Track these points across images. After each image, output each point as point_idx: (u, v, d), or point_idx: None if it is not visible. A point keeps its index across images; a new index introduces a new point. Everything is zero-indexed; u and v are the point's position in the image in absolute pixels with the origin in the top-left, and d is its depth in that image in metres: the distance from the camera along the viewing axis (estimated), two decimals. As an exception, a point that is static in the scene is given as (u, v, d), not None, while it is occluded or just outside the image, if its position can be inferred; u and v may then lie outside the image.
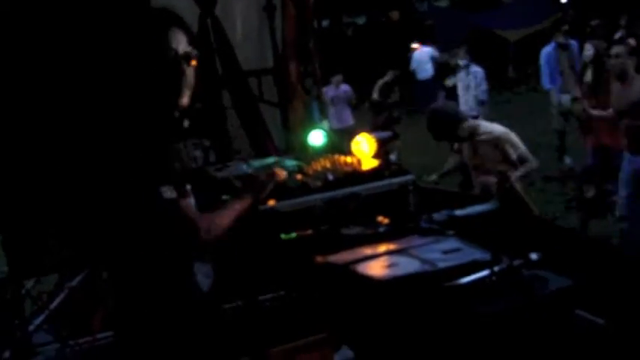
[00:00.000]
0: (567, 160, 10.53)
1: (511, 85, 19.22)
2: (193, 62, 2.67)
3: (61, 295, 4.23)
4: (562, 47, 10.96)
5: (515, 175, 5.29)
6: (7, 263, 4.02)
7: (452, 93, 12.02)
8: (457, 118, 5.62)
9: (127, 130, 2.65)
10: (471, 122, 5.70)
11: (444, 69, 12.96)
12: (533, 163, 5.53)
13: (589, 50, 8.95)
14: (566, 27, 11.31)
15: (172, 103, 2.69)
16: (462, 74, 11.33)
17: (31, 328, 4.03)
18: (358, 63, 16.45)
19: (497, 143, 5.50)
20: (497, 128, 5.66)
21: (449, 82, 12.43)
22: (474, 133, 5.58)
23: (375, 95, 12.82)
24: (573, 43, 11.19)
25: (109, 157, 2.70)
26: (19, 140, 3.99)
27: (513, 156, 5.44)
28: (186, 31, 2.67)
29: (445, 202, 3.49)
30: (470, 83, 11.12)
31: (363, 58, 17.27)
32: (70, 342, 3.99)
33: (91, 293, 4.42)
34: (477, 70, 11.23)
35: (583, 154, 9.02)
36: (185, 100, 2.70)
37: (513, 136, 5.57)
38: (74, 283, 4.27)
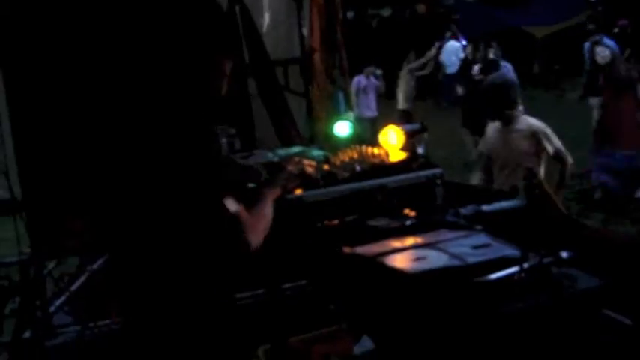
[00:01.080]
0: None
1: (536, 81, 19.10)
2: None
3: (82, 278, 4.25)
4: (593, 46, 10.92)
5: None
6: (30, 244, 4.04)
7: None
8: (515, 96, 5.67)
9: (178, 121, 2.61)
10: (520, 108, 5.73)
11: (469, 63, 12.86)
12: (569, 159, 5.55)
13: (603, 52, 8.92)
14: (592, 26, 11.24)
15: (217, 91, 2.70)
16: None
17: (52, 309, 4.06)
18: (383, 55, 16.36)
19: (533, 135, 5.51)
20: (535, 122, 5.68)
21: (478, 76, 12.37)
22: (514, 121, 5.60)
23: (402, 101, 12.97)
24: (608, 42, 11.10)
25: (155, 156, 2.63)
26: (51, 126, 4.01)
27: (550, 150, 5.47)
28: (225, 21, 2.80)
29: (471, 197, 3.46)
30: None
31: (388, 50, 17.18)
32: (90, 324, 4.01)
33: (111, 277, 4.43)
34: (506, 65, 11.19)
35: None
36: (224, 89, 2.72)
37: (549, 130, 5.58)
38: (95, 266, 4.29)
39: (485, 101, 5.91)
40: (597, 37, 10.93)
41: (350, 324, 3.07)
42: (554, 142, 5.53)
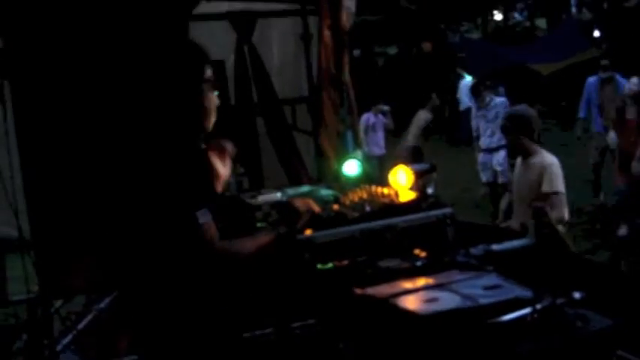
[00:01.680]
0: (601, 197, 10.46)
1: (543, 118, 19.14)
2: (214, 90, 2.99)
3: (89, 317, 4.25)
4: (604, 82, 10.94)
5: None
6: (38, 283, 4.04)
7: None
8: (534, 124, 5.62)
9: (164, 149, 2.80)
10: (537, 145, 5.66)
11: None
12: (558, 212, 5.30)
13: (636, 85, 8.88)
14: (606, 62, 11.27)
15: (200, 126, 2.95)
16: (482, 112, 11.23)
17: (59, 347, 4.05)
18: (390, 92, 16.45)
19: (542, 171, 5.40)
20: (550, 157, 5.56)
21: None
22: (532, 153, 5.53)
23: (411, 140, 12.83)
24: (620, 78, 11.13)
25: (143, 179, 2.80)
26: (60, 163, 4.02)
27: (545, 188, 5.32)
28: (209, 62, 3.00)
29: (481, 236, 3.45)
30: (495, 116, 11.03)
31: (395, 88, 17.29)
32: (97, 363, 4.00)
33: (117, 316, 4.43)
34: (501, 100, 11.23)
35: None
36: (210, 123, 2.99)
37: (559, 171, 5.43)
38: (102, 305, 4.29)
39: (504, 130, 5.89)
40: (610, 74, 10.96)
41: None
42: (555, 185, 5.35)
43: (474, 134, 11.21)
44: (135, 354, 3.40)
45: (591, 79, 11.26)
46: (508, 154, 9.92)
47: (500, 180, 10.47)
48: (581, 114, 11.46)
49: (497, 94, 11.72)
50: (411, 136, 12.43)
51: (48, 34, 3.90)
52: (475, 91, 11.30)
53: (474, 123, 11.27)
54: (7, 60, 3.93)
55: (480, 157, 10.88)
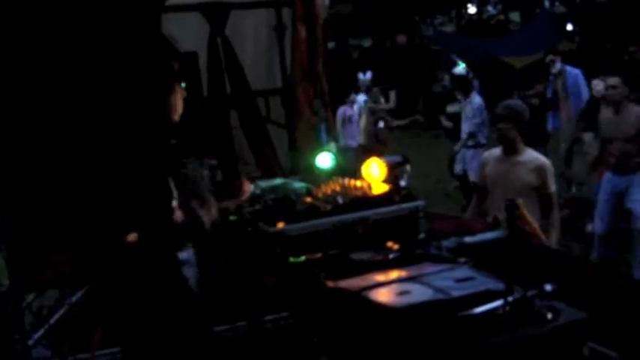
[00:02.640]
0: (573, 189, 10.52)
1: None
2: (181, 83, 3.03)
3: (61, 311, 4.21)
4: (555, 77, 11.05)
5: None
6: (9, 276, 4.00)
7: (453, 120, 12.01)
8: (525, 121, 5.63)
9: (133, 143, 2.79)
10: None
11: (447, 94, 12.94)
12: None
13: (597, 86, 9.02)
14: (551, 56, 11.38)
15: (167, 119, 3.00)
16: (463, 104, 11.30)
17: (31, 342, 4.01)
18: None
19: (539, 172, 5.42)
20: (543, 158, 5.66)
21: (450, 109, 12.40)
22: (521, 151, 5.54)
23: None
24: (570, 70, 11.20)
25: (114, 173, 2.79)
26: (32, 156, 3.98)
27: (551, 189, 5.42)
28: (178, 56, 3.08)
29: (453, 229, 3.46)
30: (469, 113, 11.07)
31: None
32: (69, 358, 3.97)
33: (90, 310, 4.40)
34: (477, 101, 11.21)
35: (591, 184, 9.01)
36: (177, 117, 3.03)
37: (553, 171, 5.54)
38: (74, 299, 4.25)
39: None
40: (553, 68, 11.07)
41: (331, 358, 3.04)
42: (553, 184, 5.47)
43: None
44: (116, 345, 3.41)
45: (551, 77, 11.37)
46: None
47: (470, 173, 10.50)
48: (550, 122, 11.56)
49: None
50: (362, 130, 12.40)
51: (14, 28, 3.86)
52: (464, 86, 11.30)
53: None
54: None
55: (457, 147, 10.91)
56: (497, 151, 5.69)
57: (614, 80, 7.24)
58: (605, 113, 7.43)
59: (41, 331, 4.08)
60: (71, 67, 3.93)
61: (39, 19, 3.86)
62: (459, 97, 11.32)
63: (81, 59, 3.93)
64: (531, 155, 5.56)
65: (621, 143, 7.19)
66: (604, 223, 7.48)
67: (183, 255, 2.97)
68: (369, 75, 11.79)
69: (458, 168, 10.98)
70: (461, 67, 13.71)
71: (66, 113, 3.93)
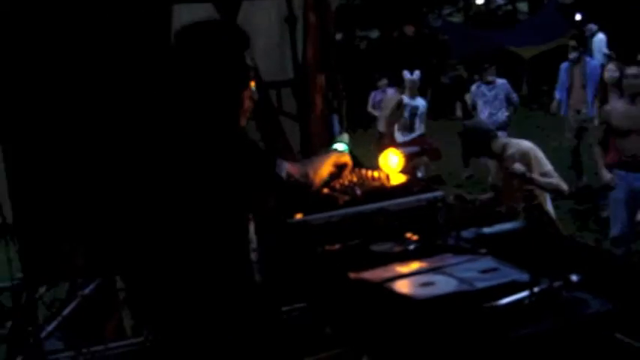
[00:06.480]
0: (585, 178, 10.46)
1: (525, 102, 19.15)
2: (252, 83, 2.91)
3: (73, 303, 4.21)
4: (573, 63, 10.95)
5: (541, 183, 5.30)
6: (22, 269, 3.99)
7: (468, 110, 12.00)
8: (490, 135, 5.68)
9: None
10: (502, 139, 5.75)
11: (460, 84, 12.90)
12: (560, 184, 5.44)
13: (614, 72, 8.86)
14: (573, 42, 11.26)
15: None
16: (483, 89, 11.25)
17: (44, 334, 4.01)
18: (371, 76, 16.41)
19: (523, 159, 5.46)
20: (524, 143, 5.65)
21: (468, 98, 12.38)
22: (504, 149, 5.60)
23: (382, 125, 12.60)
24: (589, 59, 11.13)
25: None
26: (44, 147, 3.97)
27: (537, 172, 5.40)
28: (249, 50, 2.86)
29: (472, 219, 3.43)
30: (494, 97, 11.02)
31: (377, 71, 17.25)
32: (83, 350, 3.97)
33: (103, 302, 4.39)
34: (502, 81, 11.21)
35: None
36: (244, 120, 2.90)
37: (540, 153, 5.53)
38: (86, 291, 4.25)
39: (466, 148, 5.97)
40: (577, 55, 10.96)
41: (351, 349, 3.02)
42: (543, 164, 5.48)
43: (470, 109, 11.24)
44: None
45: (564, 64, 11.27)
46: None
47: None
48: (557, 95, 11.48)
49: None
50: (382, 119, 12.30)
51: (34, 30, 3.85)
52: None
53: (469, 98, 11.28)
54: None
55: None
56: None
57: (635, 69, 6.90)
58: (617, 103, 7.12)
59: (54, 324, 4.08)
60: (86, 61, 3.94)
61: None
62: (490, 77, 11.20)
63: (90, 49, 3.93)
64: (514, 145, 5.67)
65: (636, 137, 6.80)
66: (621, 226, 7.08)
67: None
68: (417, 74, 11.48)
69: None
70: None
71: (76, 104, 3.93)
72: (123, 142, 3.68)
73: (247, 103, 2.88)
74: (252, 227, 2.81)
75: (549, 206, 5.52)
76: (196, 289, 2.69)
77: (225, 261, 2.69)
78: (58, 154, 3.99)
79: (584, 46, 11.70)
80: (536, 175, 5.31)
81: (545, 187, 5.39)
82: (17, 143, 3.94)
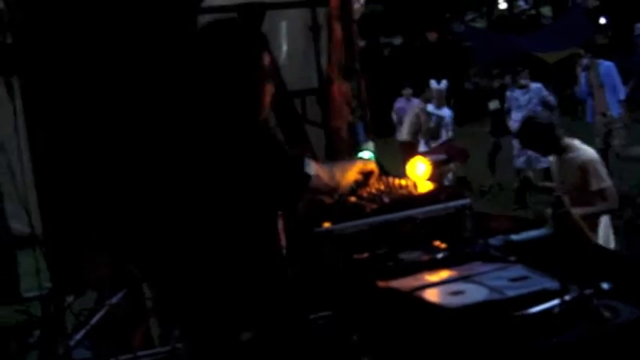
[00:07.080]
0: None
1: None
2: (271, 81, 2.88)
3: (101, 312, 4.23)
4: (588, 70, 10.95)
5: (587, 210, 4.96)
6: (50, 279, 4.02)
7: (495, 116, 11.92)
8: (556, 132, 5.37)
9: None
10: (568, 139, 5.42)
11: (486, 91, 12.85)
12: (613, 204, 5.13)
13: None
14: (581, 51, 11.31)
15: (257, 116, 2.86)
16: (516, 94, 11.18)
17: (72, 343, 4.03)
18: (395, 83, 16.41)
19: (581, 167, 5.19)
20: (589, 151, 5.34)
21: (492, 106, 12.30)
22: (566, 150, 5.31)
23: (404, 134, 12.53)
24: (602, 62, 11.11)
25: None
26: (73, 158, 4.00)
27: (594, 187, 5.11)
28: (269, 51, 2.88)
29: (498, 227, 3.41)
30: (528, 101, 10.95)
31: (400, 78, 17.24)
32: (111, 359, 3.98)
33: (131, 311, 4.41)
34: (537, 85, 11.14)
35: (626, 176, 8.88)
36: (264, 114, 2.92)
37: (601, 167, 5.21)
38: (114, 300, 4.27)
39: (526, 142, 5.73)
40: (589, 61, 10.95)
41: (376, 357, 3.01)
42: (601, 180, 5.13)
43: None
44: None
45: (583, 72, 11.26)
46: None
47: (538, 165, 10.23)
48: (582, 98, 11.52)
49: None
50: (405, 130, 12.22)
51: (60, 29, 3.87)
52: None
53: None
54: (16, 56, 3.89)
55: (514, 141, 10.60)
56: None
57: None
58: None
59: (82, 333, 4.10)
60: (108, 66, 3.95)
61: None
62: (523, 81, 11.13)
63: (115, 56, 3.95)
64: (578, 148, 5.37)
65: None
66: None
67: None
68: (444, 84, 11.39)
69: (520, 161, 10.73)
70: None
71: (108, 113, 3.96)
72: (149, 149, 3.69)
73: (267, 98, 2.88)
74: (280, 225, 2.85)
75: (603, 225, 5.14)
76: (226, 292, 2.70)
77: (255, 263, 2.71)
78: (87, 164, 4.01)
79: (593, 52, 11.64)
80: (580, 211, 4.88)
81: (596, 213, 5.08)
82: (46, 153, 3.97)
